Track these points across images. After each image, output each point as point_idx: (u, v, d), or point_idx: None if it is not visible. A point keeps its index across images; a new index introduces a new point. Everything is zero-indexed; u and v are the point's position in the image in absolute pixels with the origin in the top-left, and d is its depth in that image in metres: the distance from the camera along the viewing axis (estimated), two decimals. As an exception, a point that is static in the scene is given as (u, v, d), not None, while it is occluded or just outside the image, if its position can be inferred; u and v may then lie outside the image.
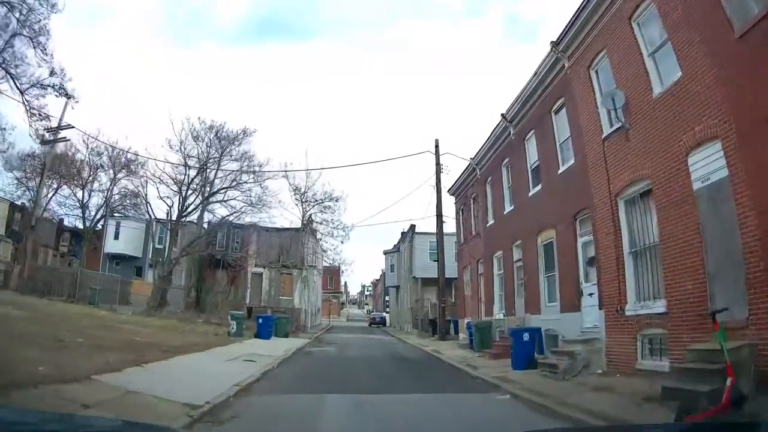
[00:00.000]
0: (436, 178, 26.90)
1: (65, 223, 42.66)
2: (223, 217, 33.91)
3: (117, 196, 39.56)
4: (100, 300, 24.86)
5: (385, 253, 45.40)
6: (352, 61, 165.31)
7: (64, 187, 36.55)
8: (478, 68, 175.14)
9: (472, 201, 23.48)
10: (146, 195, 38.26)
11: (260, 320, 21.57)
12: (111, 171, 35.84)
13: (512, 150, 17.13)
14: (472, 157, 21.64)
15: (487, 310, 19.77)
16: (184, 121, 39.56)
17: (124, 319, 19.21)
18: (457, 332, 24.98)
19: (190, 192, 32.93)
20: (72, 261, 42.45)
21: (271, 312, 32.47)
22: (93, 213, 38.80)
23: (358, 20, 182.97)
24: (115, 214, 41.46)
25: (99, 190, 38.57)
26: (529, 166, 15.55)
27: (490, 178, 20.03)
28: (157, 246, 37.52)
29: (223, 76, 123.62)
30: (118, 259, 43.08)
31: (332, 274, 74.56)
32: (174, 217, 32.80)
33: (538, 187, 14.70)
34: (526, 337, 11.88)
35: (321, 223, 35.80)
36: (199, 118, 30.94)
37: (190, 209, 33.07)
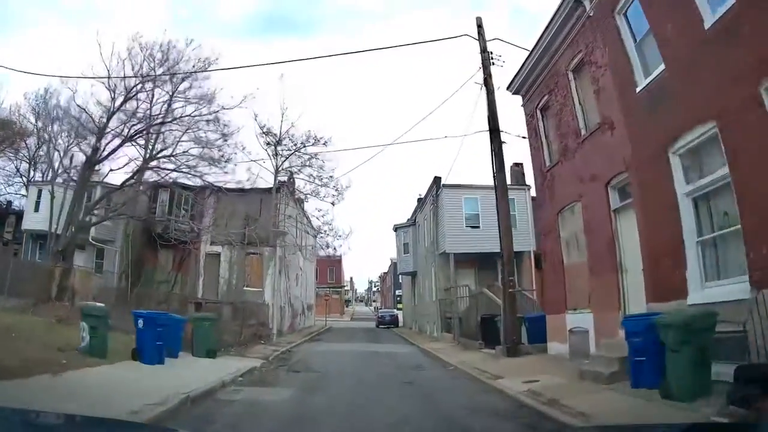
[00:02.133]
0: (484, 74, 15.24)
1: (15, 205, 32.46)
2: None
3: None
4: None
5: (396, 229, 33.79)
6: None
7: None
8: None
9: (573, 78, 11.88)
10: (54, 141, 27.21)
11: (141, 323, 10.18)
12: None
13: None
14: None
15: (650, 290, 8.24)
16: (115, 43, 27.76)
17: None
18: (539, 339, 13.42)
19: (112, 130, 21.47)
20: (18, 250, 31.64)
21: (231, 310, 21.41)
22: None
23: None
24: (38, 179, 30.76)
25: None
26: None
27: None
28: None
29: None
30: (42, 238, 31.69)
31: (332, 264, 63.04)
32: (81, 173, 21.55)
33: None
34: None
35: (304, 173, 24.33)
36: (136, 39, 19.44)
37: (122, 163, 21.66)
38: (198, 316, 12.73)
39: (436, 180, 24.47)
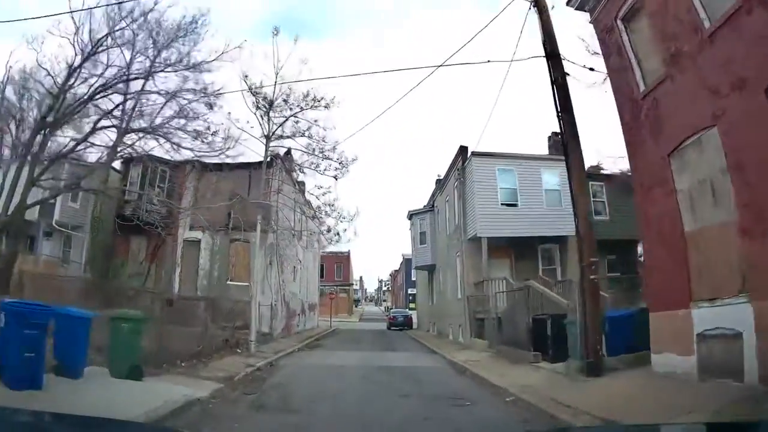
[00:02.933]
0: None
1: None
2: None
3: None
4: None
5: (411, 216, 29.30)
6: None
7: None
8: None
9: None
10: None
11: (2, 319, 5.85)
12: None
13: None
14: None
15: None
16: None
17: None
18: (623, 348, 9.02)
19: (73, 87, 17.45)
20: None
21: (205, 307, 17.38)
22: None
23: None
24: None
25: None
26: None
27: None
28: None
29: None
30: None
31: (339, 261, 58.77)
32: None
33: None
34: None
35: (302, 144, 20.04)
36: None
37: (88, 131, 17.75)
38: (118, 314, 8.37)
39: (462, 151, 19.97)
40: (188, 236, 21.53)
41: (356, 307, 79.99)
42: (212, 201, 20.39)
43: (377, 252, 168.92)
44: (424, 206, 28.59)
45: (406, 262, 59.74)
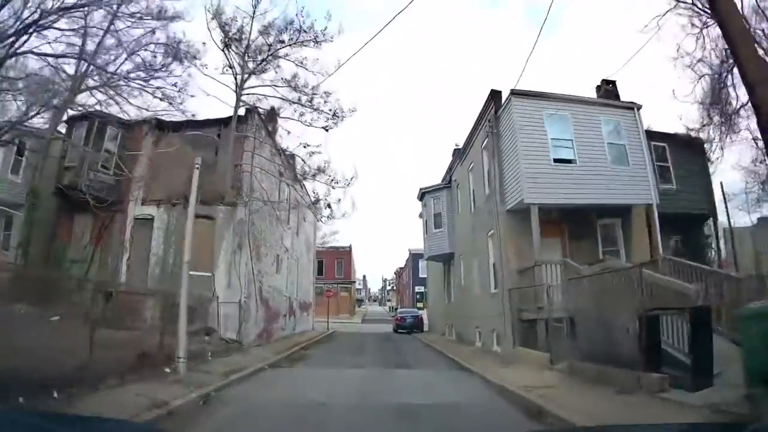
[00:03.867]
0: None
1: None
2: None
3: None
4: None
5: (423, 195, 24.20)
6: None
7: None
8: None
9: None
10: None
11: None
12: None
13: None
14: None
15: None
16: None
17: None
18: None
19: None
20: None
21: (154, 304, 12.77)
22: None
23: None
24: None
25: None
26: None
27: None
28: None
29: None
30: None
31: (340, 255, 53.77)
32: None
33: None
34: None
35: (281, 92, 15.30)
36: None
37: None
38: None
39: (494, 96, 14.98)
40: (140, 213, 16.68)
41: (359, 307, 74.98)
42: (172, 168, 15.67)
43: (381, 250, 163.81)
44: (441, 182, 23.60)
45: (413, 258, 54.67)
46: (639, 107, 14.87)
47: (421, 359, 14.53)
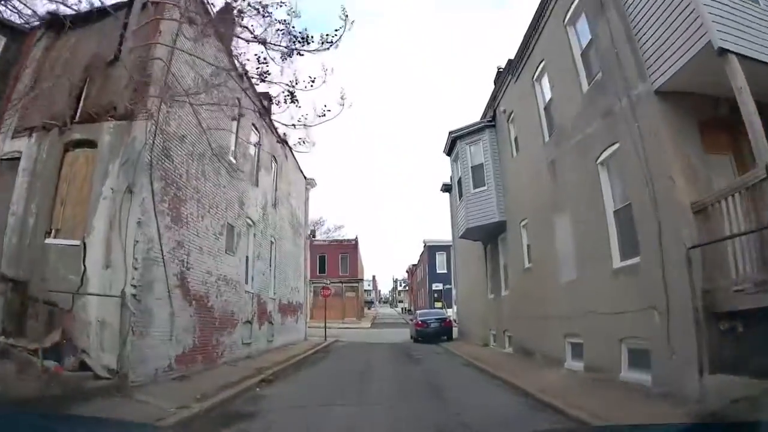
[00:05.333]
0: None
1: None
2: None
3: None
4: None
5: (454, 142, 16.57)
6: None
7: None
8: None
9: None
10: None
11: None
12: None
13: None
14: None
15: None
16: None
17: None
18: None
19: None
20: None
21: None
22: None
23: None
24: None
25: None
26: None
27: None
28: None
29: None
30: None
31: (344, 249, 46.40)
32: None
33: None
34: None
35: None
36: None
37: None
38: None
39: None
40: (8, 150, 9.53)
41: (368, 309, 67.64)
42: (63, 80, 8.66)
43: (390, 250, 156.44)
44: (479, 121, 16.19)
45: (430, 251, 47.23)
46: None
47: (496, 411, 7.07)
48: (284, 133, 9.44)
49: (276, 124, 9.77)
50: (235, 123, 12.41)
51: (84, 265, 7.95)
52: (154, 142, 8.45)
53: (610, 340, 8.00)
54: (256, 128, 14.50)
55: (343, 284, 43.88)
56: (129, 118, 8.57)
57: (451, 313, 27.59)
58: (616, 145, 7.95)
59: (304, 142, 8.23)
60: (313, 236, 48.28)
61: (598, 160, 8.52)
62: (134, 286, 7.59)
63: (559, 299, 10.17)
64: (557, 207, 10.35)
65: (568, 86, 9.94)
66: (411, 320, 28.13)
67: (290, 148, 12.88)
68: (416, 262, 62.32)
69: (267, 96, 12.98)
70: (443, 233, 63.84)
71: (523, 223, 12.86)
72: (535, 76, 11.87)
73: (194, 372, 9.09)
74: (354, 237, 47.72)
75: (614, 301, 7.88)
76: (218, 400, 7.17)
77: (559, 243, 10.23)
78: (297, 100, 7.55)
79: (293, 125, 7.64)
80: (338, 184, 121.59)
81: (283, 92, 7.52)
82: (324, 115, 7.44)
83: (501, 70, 15.35)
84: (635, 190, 7.45)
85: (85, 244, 8.03)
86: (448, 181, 23.72)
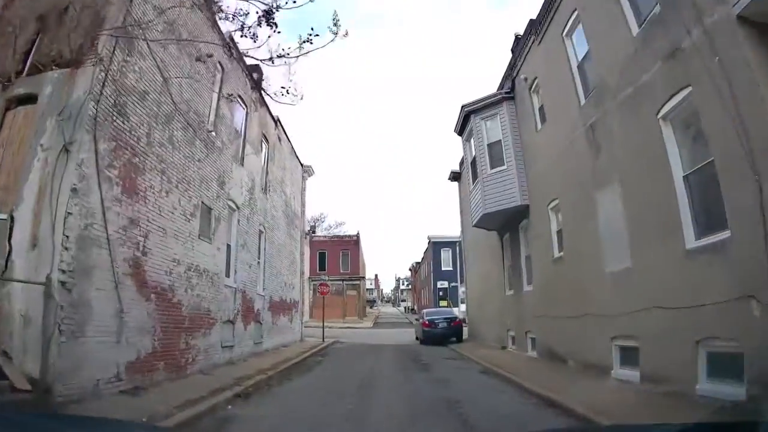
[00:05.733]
0: None
1: None
2: None
3: None
4: None
5: (467, 117, 14.80)
6: None
7: None
8: None
9: None
10: None
11: None
12: None
13: None
14: None
15: None
16: None
17: None
18: None
19: None
20: None
21: None
22: None
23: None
24: None
25: None
26: None
27: None
28: None
29: None
30: None
31: (345, 245, 44.57)
32: None
33: None
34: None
35: None
36: None
37: None
38: None
39: None
40: None
41: (371, 308, 65.87)
42: (13, 29, 6.84)
43: (392, 250, 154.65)
44: (496, 92, 14.32)
45: (434, 247, 45.35)
46: None
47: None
48: (258, 77, 7.64)
49: (249, 61, 7.97)
50: (214, 91, 10.64)
51: (9, 245, 6.20)
52: (101, 92, 6.67)
53: (681, 341, 6.18)
54: (243, 101, 12.71)
55: (344, 282, 42.11)
56: (75, 66, 6.82)
57: (458, 312, 25.75)
58: (687, 90, 6.13)
59: (287, 92, 6.40)
60: (314, 232, 46.50)
61: (660, 114, 6.69)
62: (64, 272, 5.81)
63: (603, 293, 8.33)
64: (600, 181, 8.52)
65: (610, 33, 8.11)
66: (416, 320, 26.32)
67: (267, 97, 10.70)
68: (420, 260, 60.45)
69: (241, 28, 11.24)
70: (448, 229, 61.80)
71: (551, 205, 11.03)
72: (564, 32, 10.06)
73: (153, 383, 7.30)
74: (355, 233, 45.94)
75: (687, 291, 6.07)
76: (170, 425, 5.38)
77: (604, 225, 8.39)
78: (276, 23, 5.74)
79: (270, 59, 5.85)
80: (340, 181, 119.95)
81: (258, 12, 5.70)
82: (310, 41, 5.65)
83: (519, 36, 13.53)
84: (719, 143, 5.63)
85: (12, 218, 6.29)
86: (454, 173, 21.92)
